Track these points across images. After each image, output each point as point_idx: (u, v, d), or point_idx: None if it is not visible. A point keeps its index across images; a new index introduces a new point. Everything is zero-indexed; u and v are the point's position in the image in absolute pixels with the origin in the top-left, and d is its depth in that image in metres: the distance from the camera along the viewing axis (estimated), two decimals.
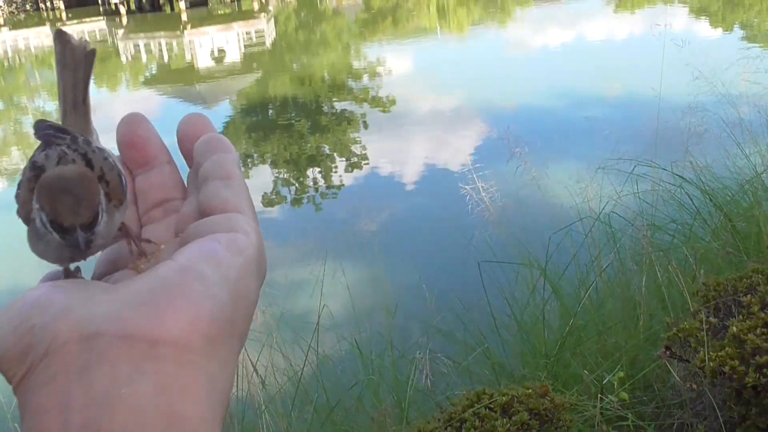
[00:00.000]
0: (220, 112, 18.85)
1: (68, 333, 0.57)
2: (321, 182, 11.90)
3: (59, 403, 0.55)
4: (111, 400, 0.54)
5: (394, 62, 22.90)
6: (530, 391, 2.97)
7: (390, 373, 4.18)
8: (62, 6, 49.63)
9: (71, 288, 0.63)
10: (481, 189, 5.33)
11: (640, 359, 3.68)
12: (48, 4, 49.68)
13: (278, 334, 4.59)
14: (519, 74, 18.20)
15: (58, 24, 44.58)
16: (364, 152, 13.30)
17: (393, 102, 17.14)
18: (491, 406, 2.92)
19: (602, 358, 3.75)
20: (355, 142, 14.04)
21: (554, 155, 9.08)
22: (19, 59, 35.71)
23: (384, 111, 16.85)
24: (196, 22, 41.02)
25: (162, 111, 20.70)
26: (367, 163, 12.53)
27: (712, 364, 2.85)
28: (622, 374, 3.34)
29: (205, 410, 0.58)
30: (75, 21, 45.84)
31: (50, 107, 22.52)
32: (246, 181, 0.75)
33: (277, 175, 12.53)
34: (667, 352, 3.18)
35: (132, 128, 0.78)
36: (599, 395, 3.22)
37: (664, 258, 4.27)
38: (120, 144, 0.78)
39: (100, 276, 0.74)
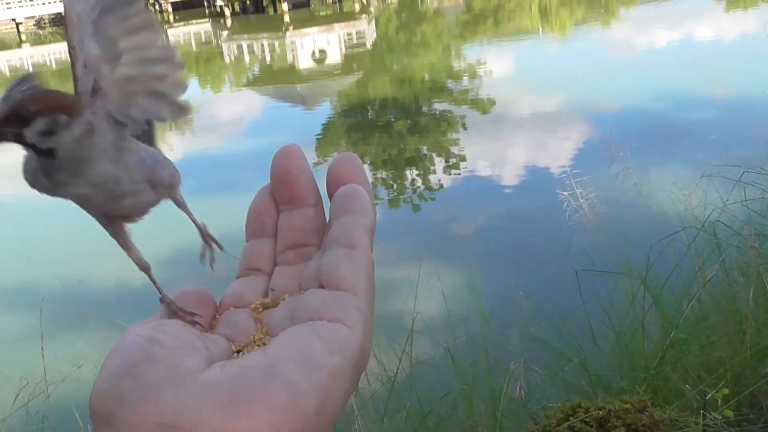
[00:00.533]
0: (321, 113, 19.09)
1: (151, 421, 0.58)
2: (419, 184, 11.88)
3: None
4: None
5: (495, 63, 22.68)
6: (628, 405, 2.88)
7: (484, 383, 4.13)
8: (170, 9, 51.18)
9: (166, 350, 0.64)
10: (579, 195, 5.21)
11: (746, 375, 3.52)
12: (157, 6, 51.28)
13: (372, 337, 4.58)
14: (623, 76, 17.76)
15: (167, 26, 45.94)
16: (462, 153, 13.23)
17: (493, 103, 16.99)
18: (587, 420, 2.85)
19: (705, 372, 3.61)
20: (454, 144, 13.98)
21: (658, 160, 8.85)
22: None
23: (483, 113, 16.70)
24: (298, 24, 41.66)
25: (264, 111, 21.14)
26: (466, 165, 12.45)
27: None
28: (726, 390, 3.21)
29: None
30: (182, 23, 47.24)
31: None
32: None
33: (375, 175, 12.56)
34: None
35: (285, 163, 0.77)
36: (702, 412, 3.10)
37: None
38: (272, 177, 0.78)
39: (224, 306, 0.76)
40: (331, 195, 0.76)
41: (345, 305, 0.66)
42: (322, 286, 0.69)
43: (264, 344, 0.68)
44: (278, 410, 0.59)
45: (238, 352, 0.69)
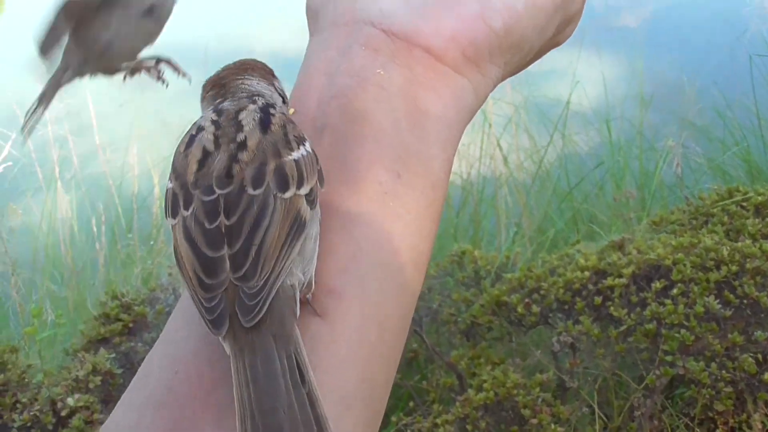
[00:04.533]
0: None
1: (347, 15, 0.64)
2: None
3: (326, 70, 0.63)
4: (365, 75, 0.61)
5: None
6: None
7: (637, 164, 3.99)
8: None
9: None
10: None
11: None
12: None
13: (526, 112, 4.48)
14: None
15: None
16: None
17: None
18: (743, 204, 2.71)
19: None
20: None
21: None
22: None
23: None
24: None
25: None
26: None
27: None
28: None
29: (448, 113, 0.62)
30: None
31: None
32: None
33: None
34: None
35: None
36: None
37: None
38: None
39: None
40: None
41: None
42: None
43: None
44: (466, 19, 0.62)
45: None
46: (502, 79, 0.66)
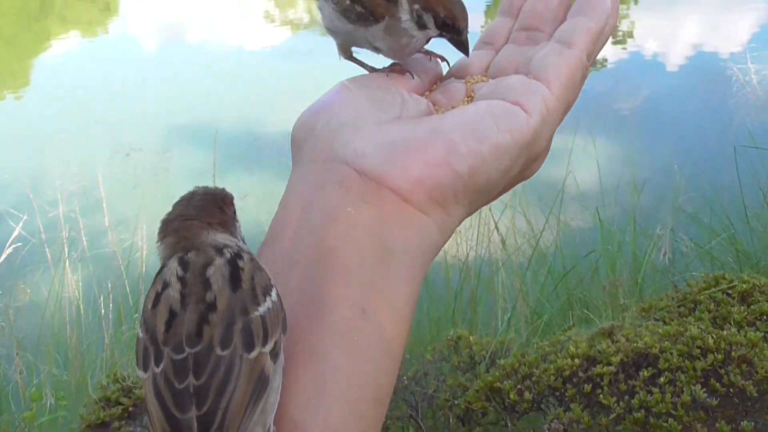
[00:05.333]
0: None
1: (325, 153, 0.68)
2: None
3: (303, 205, 0.66)
4: (336, 213, 0.64)
5: None
6: None
7: (629, 249, 4.04)
8: None
9: (360, 101, 0.72)
10: (751, 70, 4.85)
11: None
12: None
13: (523, 197, 4.55)
14: None
15: None
16: (631, 29, 12.50)
17: None
18: (729, 291, 2.75)
19: None
20: (623, 18, 13.21)
21: None
22: None
23: None
24: None
25: None
26: (633, 40, 11.77)
27: None
28: None
29: (413, 251, 0.65)
30: None
31: None
32: None
33: None
34: None
35: None
36: None
37: None
38: None
39: (449, 75, 0.82)
40: None
41: (532, 92, 0.69)
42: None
43: None
44: (432, 163, 0.65)
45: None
46: (468, 216, 0.70)
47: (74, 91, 13.34)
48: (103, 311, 4.19)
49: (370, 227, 0.63)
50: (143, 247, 4.70)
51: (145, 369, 0.58)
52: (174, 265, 0.62)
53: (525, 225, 4.49)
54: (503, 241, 4.28)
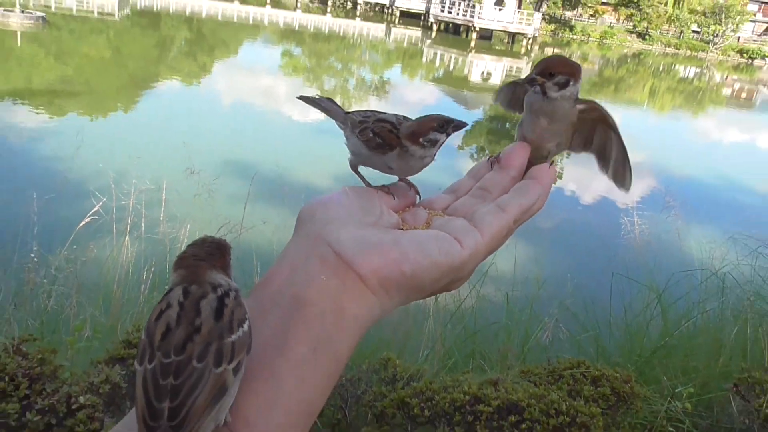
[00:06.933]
0: (475, 115, 18.80)
1: (317, 234, 0.69)
2: None
3: (291, 266, 0.67)
4: (313, 278, 0.65)
5: None
6: (618, 375, 2.76)
7: (524, 326, 4.05)
8: (398, 14, 51.10)
9: (353, 205, 0.74)
10: (636, 223, 4.94)
11: (711, 386, 3.30)
12: (388, 10, 51.54)
13: (476, 265, 4.53)
14: (695, 152, 16.62)
15: (392, 26, 46.08)
16: (560, 173, 12.70)
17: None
18: (585, 374, 2.74)
19: (681, 373, 3.40)
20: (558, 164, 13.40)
21: (700, 218, 8.27)
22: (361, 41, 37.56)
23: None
24: (480, 49, 40.93)
25: (437, 99, 20.96)
26: (561, 180, 11.95)
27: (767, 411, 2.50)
28: (692, 390, 3.02)
29: (361, 317, 0.65)
30: (402, 26, 47.23)
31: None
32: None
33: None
34: (735, 389, 2.83)
35: (515, 150, 0.86)
36: (669, 398, 2.94)
37: (758, 321, 3.77)
38: (503, 153, 0.86)
39: (420, 204, 0.83)
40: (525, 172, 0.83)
41: (469, 235, 0.72)
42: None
43: None
44: (388, 262, 0.66)
45: (401, 229, 0.76)
46: (402, 305, 0.71)
47: (166, 119, 13.34)
48: (144, 278, 4.12)
49: (335, 294, 0.64)
50: (184, 240, 4.65)
51: (140, 364, 0.58)
52: (179, 292, 0.62)
53: (455, 292, 4.48)
54: (436, 299, 4.27)
